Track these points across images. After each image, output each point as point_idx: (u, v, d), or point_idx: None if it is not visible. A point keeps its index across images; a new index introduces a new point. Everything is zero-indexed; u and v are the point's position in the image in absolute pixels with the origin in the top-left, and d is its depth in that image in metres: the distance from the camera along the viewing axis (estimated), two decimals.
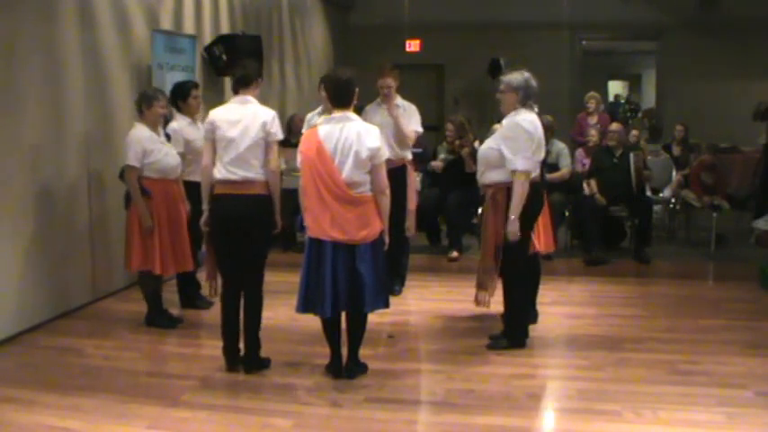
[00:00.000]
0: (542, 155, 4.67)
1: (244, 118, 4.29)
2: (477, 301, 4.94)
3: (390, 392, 4.12)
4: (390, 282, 5.74)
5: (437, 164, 7.93)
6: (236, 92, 4.41)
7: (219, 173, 4.32)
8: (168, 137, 5.37)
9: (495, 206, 4.65)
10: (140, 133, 5.10)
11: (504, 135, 4.61)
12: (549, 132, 5.02)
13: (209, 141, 4.39)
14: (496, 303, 4.92)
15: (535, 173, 4.64)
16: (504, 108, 4.74)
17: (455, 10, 11.90)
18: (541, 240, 5.09)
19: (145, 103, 5.16)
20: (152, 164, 5.09)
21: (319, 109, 5.78)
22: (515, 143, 4.53)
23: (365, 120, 4.77)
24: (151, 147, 5.09)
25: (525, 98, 4.63)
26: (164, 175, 5.16)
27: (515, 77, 4.65)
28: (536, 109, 4.73)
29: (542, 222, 5.08)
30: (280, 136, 4.36)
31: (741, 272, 6.90)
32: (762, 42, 11.13)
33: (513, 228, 4.55)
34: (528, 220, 4.69)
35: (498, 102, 4.78)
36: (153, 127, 5.18)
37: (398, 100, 6.05)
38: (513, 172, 4.52)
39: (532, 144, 4.55)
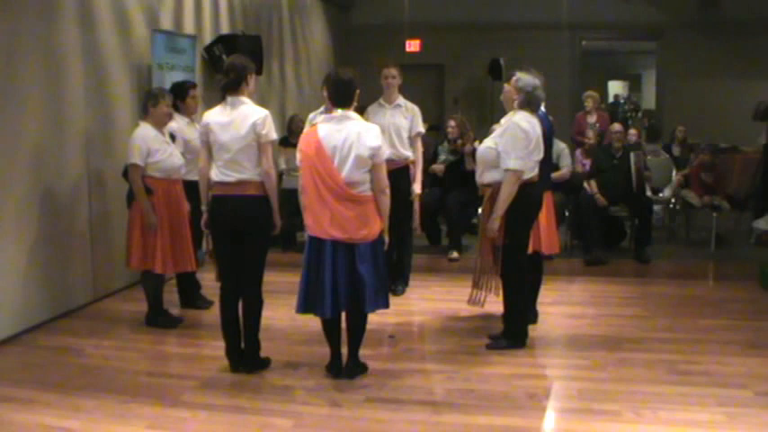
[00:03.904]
0: (541, 155, 4.66)
1: (234, 120, 4.25)
2: (472, 300, 4.93)
3: (390, 392, 4.12)
4: (393, 282, 5.75)
5: (438, 167, 7.93)
6: (223, 98, 4.35)
7: (215, 175, 4.31)
8: (173, 137, 5.37)
9: (493, 206, 4.65)
10: (145, 132, 5.11)
11: (502, 134, 4.61)
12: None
13: (203, 144, 4.38)
14: (496, 303, 4.92)
15: (532, 173, 4.63)
16: (503, 98, 4.76)
17: (455, 10, 11.91)
18: (544, 241, 5.08)
19: (151, 102, 5.16)
20: (156, 163, 5.09)
21: (322, 108, 5.79)
22: (511, 142, 4.53)
23: (367, 120, 4.77)
24: (156, 146, 5.10)
25: (524, 102, 4.62)
26: (167, 175, 5.16)
27: (526, 79, 4.62)
28: (542, 108, 4.73)
29: (546, 224, 5.08)
30: (273, 136, 4.32)
31: (741, 272, 6.90)
32: (762, 42, 11.13)
33: (493, 226, 4.55)
34: (525, 219, 4.69)
35: (499, 102, 4.79)
36: (158, 126, 5.19)
37: (401, 100, 6.07)
38: (505, 171, 4.52)
39: (530, 144, 4.54)
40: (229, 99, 4.31)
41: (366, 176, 4.11)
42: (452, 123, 7.99)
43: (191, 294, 5.77)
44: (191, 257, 5.31)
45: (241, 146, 4.24)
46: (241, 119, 4.25)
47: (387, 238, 4.25)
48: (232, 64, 4.36)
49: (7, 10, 4.92)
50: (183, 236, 5.24)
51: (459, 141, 7.82)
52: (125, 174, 5.21)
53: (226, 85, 4.30)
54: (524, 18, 11.77)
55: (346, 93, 4.18)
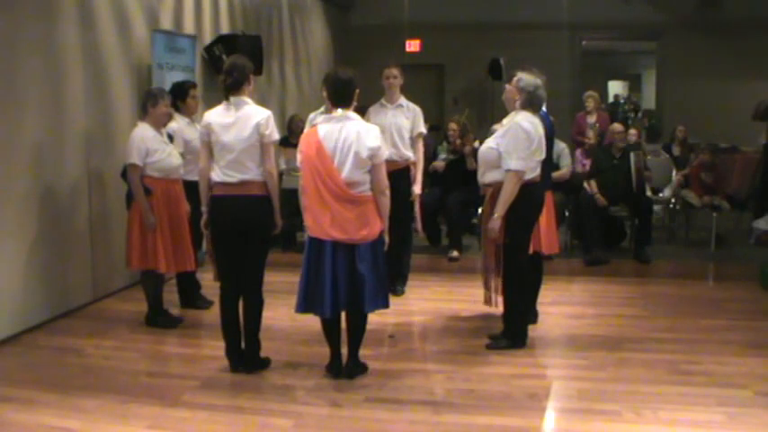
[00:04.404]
0: (542, 155, 4.66)
1: (238, 121, 4.25)
2: (488, 302, 4.94)
3: (390, 392, 4.12)
4: (393, 282, 5.75)
5: (439, 164, 7.93)
6: (227, 98, 4.33)
7: (217, 176, 4.30)
8: (171, 137, 5.37)
9: (494, 206, 4.65)
10: (144, 132, 5.11)
11: (504, 134, 4.61)
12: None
13: (204, 144, 4.37)
14: (500, 303, 4.92)
15: (534, 173, 4.63)
16: (504, 98, 4.76)
17: (455, 10, 11.91)
18: (544, 241, 5.08)
19: (151, 102, 5.16)
20: (155, 163, 5.09)
21: (322, 108, 5.80)
22: (512, 143, 4.53)
23: (368, 121, 4.76)
24: (155, 146, 5.10)
25: (527, 103, 4.62)
26: (166, 175, 5.16)
27: (527, 79, 4.62)
28: (543, 108, 4.73)
29: (546, 224, 5.08)
30: (275, 137, 4.32)
31: (741, 272, 6.91)
32: (762, 42, 11.14)
33: (494, 225, 4.55)
34: (526, 220, 4.69)
35: (499, 102, 4.79)
36: (156, 126, 5.19)
37: (402, 100, 6.07)
38: (507, 171, 4.52)
39: (531, 144, 4.54)
40: (233, 99, 4.30)
41: (366, 177, 4.11)
42: (453, 126, 7.99)
43: (191, 294, 5.77)
44: (190, 257, 5.31)
45: (245, 146, 4.23)
46: (244, 119, 4.25)
47: (387, 239, 4.25)
48: (234, 64, 4.35)
49: (7, 10, 4.92)
50: (183, 235, 5.24)
51: (458, 142, 7.83)
52: (123, 174, 5.22)
53: (230, 85, 4.29)
54: (524, 18, 11.76)
55: (346, 92, 4.17)
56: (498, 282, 4.82)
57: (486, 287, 4.92)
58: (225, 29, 8.15)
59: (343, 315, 4.25)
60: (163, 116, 5.22)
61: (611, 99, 18.07)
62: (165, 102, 5.21)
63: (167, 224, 5.15)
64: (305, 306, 4.19)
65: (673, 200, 8.57)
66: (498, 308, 4.93)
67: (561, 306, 5.86)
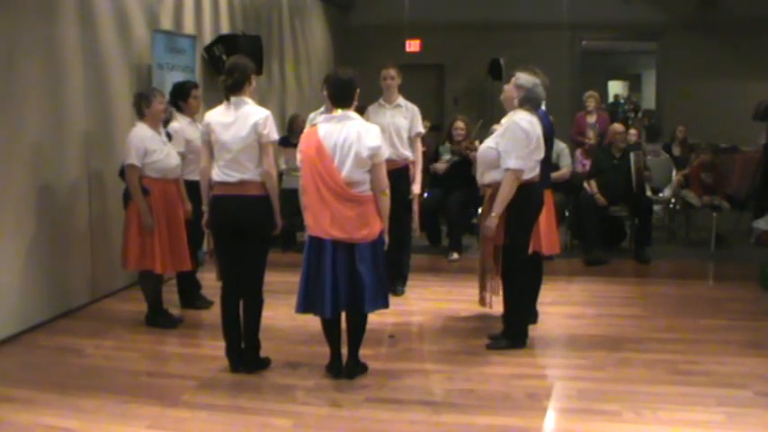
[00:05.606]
0: (541, 155, 4.66)
1: (237, 120, 4.26)
2: (483, 302, 4.95)
3: (390, 392, 4.12)
4: (393, 282, 5.76)
5: (440, 166, 7.91)
6: (227, 98, 4.34)
7: (217, 175, 4.31)
8: (170, 136, 5.37)
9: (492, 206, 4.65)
10: (142, 132, 5.11)
11: (502, 134, 4.61)
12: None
13: (205, 144, 4.38)
14: (496, 303, 4.92)
15: (533, 173, 4.63)
16: (503, 98, 4.76)
17: (455, 10, 11.91)
18: (545, 241, 5.08)
19: (144, 103, 5.16)
20: (153, 164, 5.09)
21: (322, 108, 5.80)
22: (511, 142, 4.53)
23: (367, 120, 4.76)
24: (153, 147, 5.09)
25: (524, 101, 4.62)
26: (163, 175, 5.16)
27: (525, 77, 4.63)
28: (542, 107, 4.73)
29: (546, 224, 5.08)
30: (273, 136, 4.32)
31: (741, 272, 6.91)
32: (762, 42, 11.14)
33: (490, 224, 4.55)
34: (526, 220, 4.69)
35: (499, 102, 4.78)
36: (155, 126, 5.18)
37: (401, 100, 6.08)
38: (506, 170, 4.52)
39: (530, 143, 4.54)
40: (233, 99, 4.31)
41: (366, 176, 4.11)
42: (460, 125, 7.95)
43: (191, 294, 5.77)
44: (186, 257, 5.31)
45: (242, 146, 4.24)
46: (243, 119, 4.26)
47: (386, 239, 4.25)
48: (235, 64, 4.35)
49: (7, 10, 4.92)
50: (180, 236, 5.24)
51: (464, 144, 7.81)
52: (121, 173, 5.22)
53: (230, 85, 4.30)
54: (524, 18, 11.77)
55: (346, 92, 4.18)
56: (496, 282, 4.83)
57: (482, 287, 4.92)
58: (225, 29, 8.15)
59: (343, 315, 4.25)
60: (160, 113, 5.21)
61: (611, 99, 18.08)
62: (158, 99, 5.19)
63: (164, 224, 5.15)
64: (305, 306, 4.19)
65: (673, 200, 8.57)
66: (492, 308, 4.93)
67: (561, 306, 5.86)
